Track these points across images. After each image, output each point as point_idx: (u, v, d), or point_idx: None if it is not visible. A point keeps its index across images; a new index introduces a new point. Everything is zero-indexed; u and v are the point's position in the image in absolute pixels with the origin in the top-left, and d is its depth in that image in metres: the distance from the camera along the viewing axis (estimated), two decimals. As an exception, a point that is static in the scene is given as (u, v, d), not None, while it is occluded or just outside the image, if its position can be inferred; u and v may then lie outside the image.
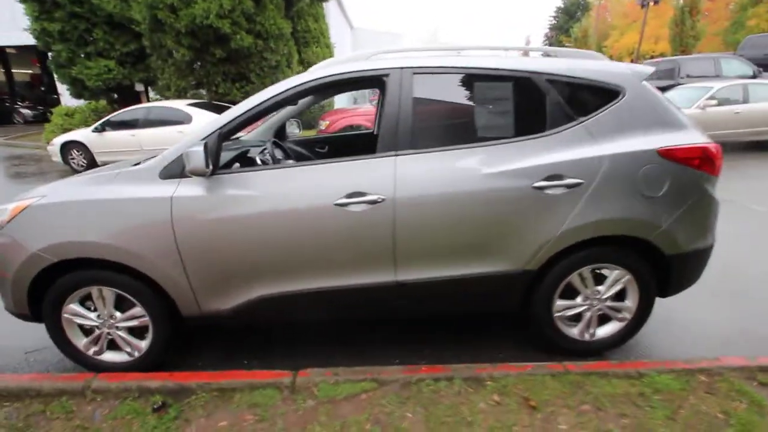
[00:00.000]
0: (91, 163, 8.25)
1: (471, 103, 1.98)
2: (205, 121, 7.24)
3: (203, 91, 10.51)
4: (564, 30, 44.31)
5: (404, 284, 1.98)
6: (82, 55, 11.42)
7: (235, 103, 9.88)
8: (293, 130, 3.57)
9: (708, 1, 24.82)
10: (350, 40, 27.93)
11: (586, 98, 2.00)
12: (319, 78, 1.93)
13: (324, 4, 15.00)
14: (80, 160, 8.35)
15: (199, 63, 10.01)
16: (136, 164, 2.14)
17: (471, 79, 1.96)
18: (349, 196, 1.86)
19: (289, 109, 3.25)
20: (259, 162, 2.44)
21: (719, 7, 29.05)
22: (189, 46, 9.39)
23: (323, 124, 7.47)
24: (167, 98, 10.54)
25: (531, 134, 1.94)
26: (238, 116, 1.90)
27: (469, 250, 1.96)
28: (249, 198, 1.86)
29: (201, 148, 1.71)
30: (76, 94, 12.20)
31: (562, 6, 47.42)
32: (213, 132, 1.86)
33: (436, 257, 1.96)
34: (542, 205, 1.91)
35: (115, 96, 12.67)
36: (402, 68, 1.94)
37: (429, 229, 1.91)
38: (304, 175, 1.91)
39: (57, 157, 8.44)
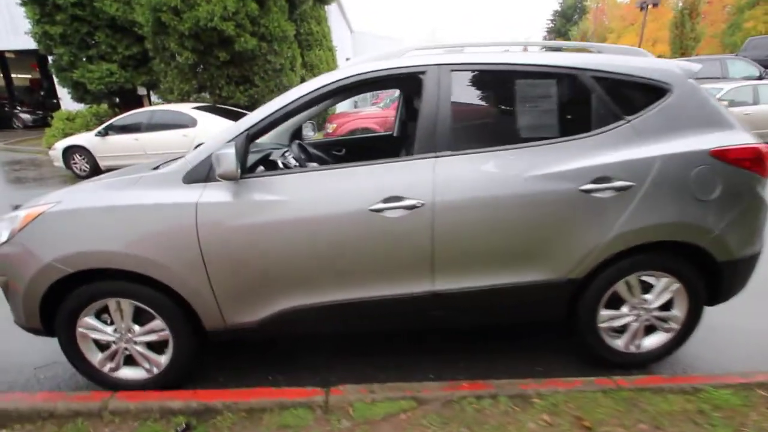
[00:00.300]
0: (94, 168, 8.12)
1: (512, 101, 1.87)
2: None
3: (206, 95, 10.40)
4: (561, 33, 44.49)
5: (442, 294, 1.86)
6: (84, 59, 11.31)
7: (238, 106, 9.83)
8: (308, 133, 3.46)
9: (705, 4, 24.97)
10: (350, 44, 27.94)
11: (633, 96, 1.89)
12: (354, 75, 1.81)
13: (326, 7, 14.96)
14: (83, 164, 8.22)
15: (202, 66, 9.91)
16: (155, 168, 2.02)
17: (512, 76, 1.85)
18: (386, 200, 1.74)
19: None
20: (281, 165, 2.32)
21: (716, 9, 29.22)
22: (192, 49, 9.29)
23: (330, 127, 7.37)
24: (170, 102, 10.43)
25: (576, 134, 1.83)
26: (267, 116, 1.79)
27: (511, 258, 1.84)
28: (278, 203, 1.75)
29: (233, 150, 1.59)
30: (78, 98, 12.08)
31: (559, 9, 47.65)
32: (241, 133, 1.75)
33: (476, 265, 1.84)
34: (590, 209, 1.80)
35: (117, 100, 12.56)
36: (439, 65, 1.83)
37: (469, 236, 1.79)
38: (337, 178, 1.79)
39: (59, 162, 8.30)
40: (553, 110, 1.86)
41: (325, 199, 1.76)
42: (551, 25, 48.46)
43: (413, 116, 2.00)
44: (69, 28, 10.82)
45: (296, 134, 3.21)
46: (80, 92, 11.79)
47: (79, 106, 12.73)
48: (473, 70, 1.84)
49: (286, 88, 10.49)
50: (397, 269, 1.83)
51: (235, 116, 7.89)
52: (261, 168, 2.07)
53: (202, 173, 1.76)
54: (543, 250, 1.84)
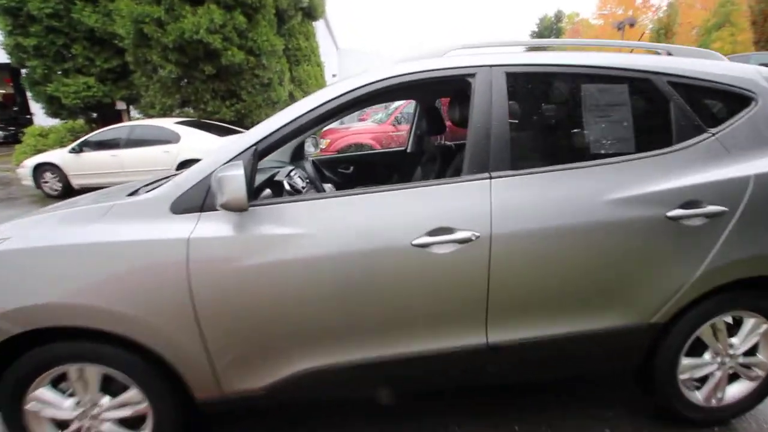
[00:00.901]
0: (67, 188, 7.53)
1: (580, 109, 1.56)
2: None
3: (190, 109, 9.94)
4: (541, 53, 45.57)
5: (498, 348, 1.49)
6: (59, 72, 10.72)
7: (224, 121, 9.39)
8: (309, 149, 3.10)
9: (677, 26, 26.04)
10: (336, 61, 27.92)
11: (715, 105, 1.61)
12: (390, 78, 1.47)
13: (313, 23, 14.80)
14: (54, 183, 7.61)
15: (186, 80, 9.48)
16: (132, 193, 1.62)
17: (579, 79, 1.54)
18: (432, 233, 1.38)
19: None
20: (288, 188, 1.95)
21: (685, 30, 30.54)
22: (176, 62, 8.86)
23: (323, 143, 7.04)
24: (151, 117, 9.93)
25: (655, 149, 1.52)
26: (282, 127, 1.42)
27: (584, 300, 1.50)
28: (295, 238, 1.37)
29: (241, 172, 1.21)
30: (52, 113, 11.42)
31: (536, 30, 49.08)
32: (248, 147, 1.37)
33: (540, 311, 1.49)
34: (677, 239, 1.48)
35: (95, 115, 11.95)
36: (491, 66, 1.50)
37: (534, 274, 1.45)
38: (368, 206, 1.43)
39: (28, 181, 7.67)
40: (627, 120, 1.55)
41: (356, 231, 1.38)
42: (530, 44, 49.75)
43: (463, 123, 1.65)
44: (44, 40, 10.24)
45: (298, 151, 2.84)
46: (55, 107, 11.14)
47: (54, 122, 12.06)
48: (532, 73, 1.52)
49: (274, 103, 10.13)
50: (442, 318, 1.46)
51: (222, 132, 7.47)
52: (267, 192, 1.69)
53: (197, 200, 1.37)
54: (623, 290, 1.51)
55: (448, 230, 1.38)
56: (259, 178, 1.74)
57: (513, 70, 1.51)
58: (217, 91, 9.57)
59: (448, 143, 2.57)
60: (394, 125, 7.40)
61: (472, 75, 1.50)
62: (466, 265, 1.40)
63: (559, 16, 43.05)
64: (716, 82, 1.59)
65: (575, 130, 1.58)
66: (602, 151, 1.51)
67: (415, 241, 1.37)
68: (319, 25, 18.37)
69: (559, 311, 1.50)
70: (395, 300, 1.41)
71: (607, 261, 1.47)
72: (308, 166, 1.90)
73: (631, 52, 1.82)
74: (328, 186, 1.95)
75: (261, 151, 1.41)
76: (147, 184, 1.62)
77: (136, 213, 1.39)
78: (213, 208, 1.35)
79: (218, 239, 1.34)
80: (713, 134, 1.54)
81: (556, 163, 1.48)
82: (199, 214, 1.37)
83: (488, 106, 1.47)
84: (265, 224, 1.37)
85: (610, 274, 1.48)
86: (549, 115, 1.55)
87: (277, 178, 1.99)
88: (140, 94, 10.37)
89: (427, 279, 1.41)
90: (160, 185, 1.46)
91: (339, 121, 14.15)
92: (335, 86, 1.49)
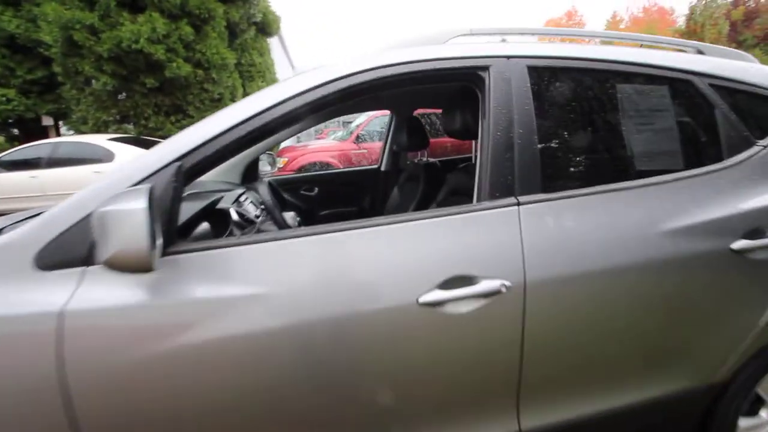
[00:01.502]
0: (-29, 214, 6.38)
1: (618, 116, 1.23)
2: (133, 151, 5.95)
3: (130, 125, 9.02)
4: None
5: (532, 435, 1.09)
6: (-28, 83, 9.45)
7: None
8: (265, 168, 2.62)
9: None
10: (293, 79, 27.41)
11: (759, 114, 1.35)
12: (379, 68, 1.05)
13: (268, 40, 14.33)
14: (-45, 209, 6.44)
15: (125, 93, 8.61)
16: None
17: (614, 78, 1.21)
18: (446, 284, 0.97)
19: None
20: (236, 218, 1.46)
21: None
22: (113, 74, 8.02)
23: (280, 162, 6.50)
24: (83, 133, 8.90)
25: (705, 165, 1.23)
26: (218, 135, 0.95)
27: (637, 363, 1.15)
28: (242, 302, 0.89)
29: (142, 205, 0.74)
30: (-37, 129, 10.01)
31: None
32: (162, 167, 0.89)
33: (588, 381, 1.11)
34: (743, 277, 1.17)
35: (16, 131, 10.61)
36: (509, 57, 1.14)
37: (581, 333, 1.07)
38: (352, 248, 0.99)
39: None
40: (673, 130, 1.24)
41: (334, 287, 0.94)
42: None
43: (465, 133, 1.28)
44: (-46, 47, 9.02)
45: (250, 170, 2.34)
46: (-34, 122, 9.78)
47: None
48: (560, 68, 1.17)
49: (226, 120, 9.45)
50: (462, 402, 1.04)
51: (165, 149, 6.73)
52: (204, 227, 1.19)
53: (79, 249, 0.86)
54: (681, 345, 1.17)
55: (468, 280, 0.98)
56: (192, 207, 1.25)
57: (536, 64, 1.15)
58: (161, 105, 8.78)
59: (432, 160, 2.21)
60: (356, 143, 7.03)
61: (485, 68, 1.13)
62: (494, 326, 1.00)
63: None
64: (760, 87, 1.34)
65: (616, 142, 1.25)
66: (649, 168, 1.19)
67: (424, 298, 0.94)
68: (274, 43, 17.92)
69: (611, 378, 1.13)
70: (394, 385, 0.97)
71: (666, 308, 1.13)
72: (263, 189, 1.40)
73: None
74: (289, 215, 1.49)
75: (189, 168, 0.93)
76: (7, 224, 1.08)
77: (-23, 270, 0.86)
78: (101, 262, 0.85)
79: (114, 312, 0.83)
80: (764, 147, 1.28)
81: (595, 182, 1.13)
82: (82, 269, 0.86)
83: (509, 108, 1.10)
84: (193, 282, 0.89)
85: (669, 326, 1.14)
86: (583, 122, 1.21)
87: (221, 205, 1.49)
88: (71, 108, 9.32)
89: (440, 350, 0.98)
90: (23, 223, 0.93)
91: (295, 138, 13.69)
92: (294, 80, 1.05)
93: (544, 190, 1.08)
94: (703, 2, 20.23)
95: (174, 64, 8.13)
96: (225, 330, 0.87)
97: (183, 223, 1.18)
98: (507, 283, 0.98)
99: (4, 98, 9.49)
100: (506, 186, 1.07)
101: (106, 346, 0.84)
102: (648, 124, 1.24)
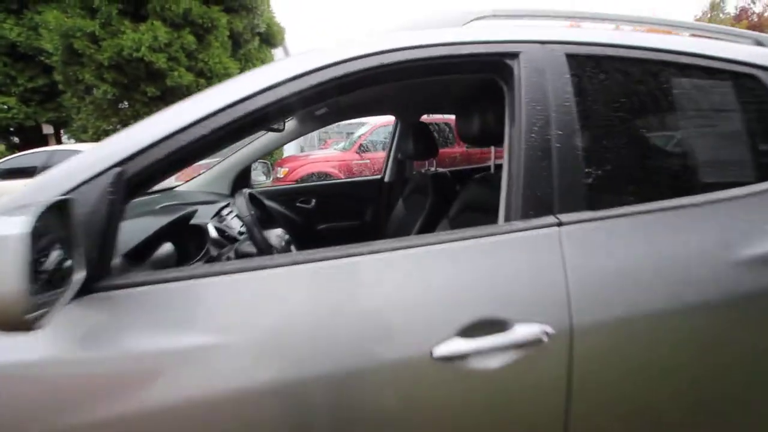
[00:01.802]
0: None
1: (677, 115, 1.01)
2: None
3: (130, 134, 8.90)
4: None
5: None
6: (-28, 91, 9.39)
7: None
8: (259, 178, 2.41)
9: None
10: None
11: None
12: (385, 52, 0.84)
13: (272, 50, 14.32)
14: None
15: (126, 102, 8.51)
16: None
17: (669, 71, 0.99)
18: (469, 331, 0.73)
19: (256, 145, 2.12)
20: (214, 235, 1.24)
21: None
22: (113, 82, 7.93)
23: (281, 172, 6.31)
24: (84, 142, 8.78)
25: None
26: (175, 133, 0.73)
27: (710, 420, 0.90)
28: (195, 355, 0.67)
29: (13, 230, 0.51)
30: (-38, 137, 9.94)
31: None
32: (95, 175, 0.68)
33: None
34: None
35: (16, 140, 10.53)
36: (543, 43, 0.93)
37: (639, 391, 0.83)
38: (344, 281, 0.76)
39: None
40: (738, 133, 1.02)
41: (322, 335, 0.71)
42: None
43: (485, 138, 1.07)
44: (-46, 55, 8.99)
45: (241, 179, 2.14)
46: (-34, 130, 9.70)
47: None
48: (606, 56, 0.95)
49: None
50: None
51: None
52: (167, 248, 0.97)
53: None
54: (753, 398, 0.93)
55: (498, 324, 0.75)
56: (149, 224, 1.03)
57: (578, 51, 0.94)
58: (162, 114, 8.66)
59: (441, 170, 1.99)
60: (359, 153, 6.84)
61: (514, 55, 0.91)
62: (533, 384, 0.76)
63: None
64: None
65: (677, 147, 1.02)
66: (716, 180, 0.96)
67: (440, 350, 0.71)
68: (278, 54, 17.94)
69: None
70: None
71: (742, 354, 0.89)
72: (240, 201, 1.14)
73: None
74: (274, 233, 1.25)
75: (134, 176, 0.71)
76: None
77: None
78: None
79: (18, 369, 0.61)
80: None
81: (654, 197, 0.90)
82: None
83: (544, 105, 0.88)
84: (134, 327, 0.66)
85: (745, 373, 0.90)
86: (636, 123, 0.99)
87: (197, 220, 1.27)
88: (71, 117, 9.23)
89: (462, 415, 0.75)
90: None
91: (299, 147, 13.57)
92: (282, 64, 0.84)
93: (591, 207, 0.85)
94: (708, 16, 20.28)
95: (176, 73, 8.04)
96: (171, 393, 0.64)
97: (141, 243, 0.96)
98: (548, 329, 0.75)
99: (4, 106, 9.43)
100: (543, 202, 0.84)
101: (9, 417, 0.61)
102: (710, 126, 1.02)
